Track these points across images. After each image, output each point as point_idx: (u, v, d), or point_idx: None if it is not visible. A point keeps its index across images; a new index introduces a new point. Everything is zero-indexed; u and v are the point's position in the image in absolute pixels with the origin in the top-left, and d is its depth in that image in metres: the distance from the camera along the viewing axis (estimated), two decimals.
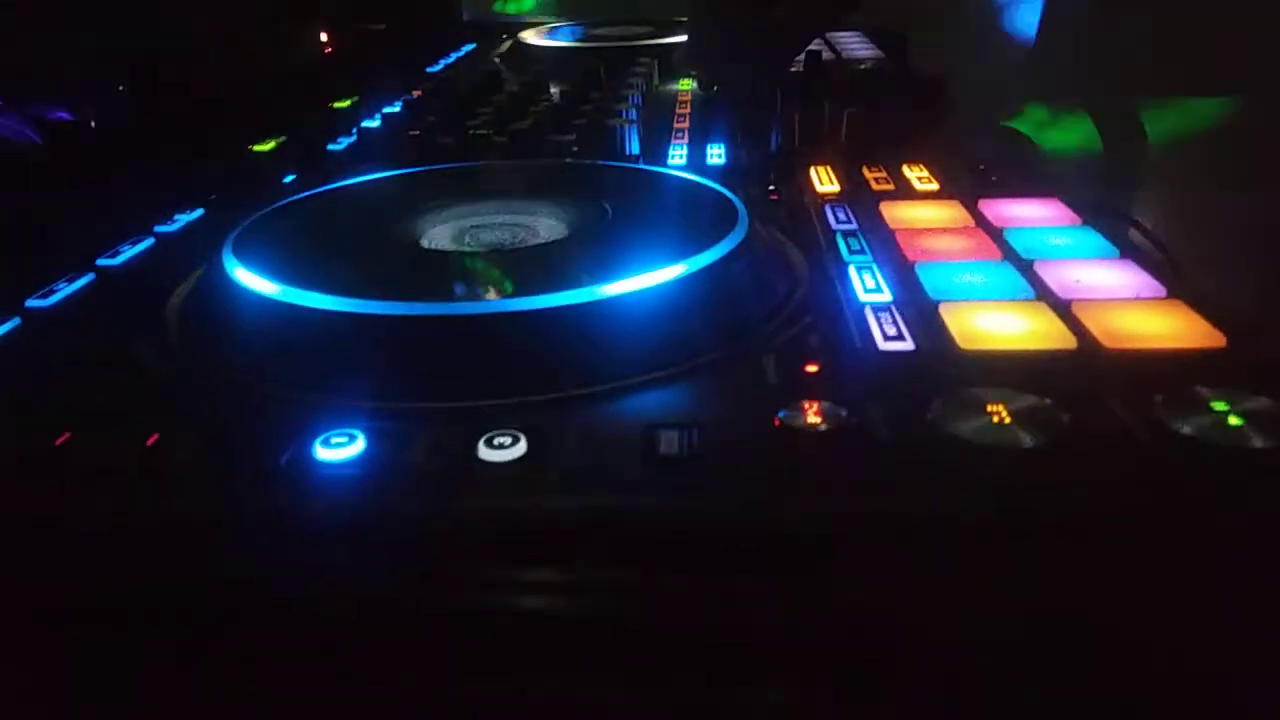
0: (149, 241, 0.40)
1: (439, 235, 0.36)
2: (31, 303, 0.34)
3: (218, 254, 0.32)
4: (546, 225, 0.36)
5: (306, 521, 0.23)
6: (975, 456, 0.23)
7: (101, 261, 0.38)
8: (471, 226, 0.36)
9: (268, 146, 0.57)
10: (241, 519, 0.23)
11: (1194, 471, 0.22)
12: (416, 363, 0.27)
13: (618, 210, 0.36)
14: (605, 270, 0.29)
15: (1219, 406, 0.24)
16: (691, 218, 0.35)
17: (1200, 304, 0.30)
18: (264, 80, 0.65)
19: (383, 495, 0.23)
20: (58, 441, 0.25)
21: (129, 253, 0.39)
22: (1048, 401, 0.24)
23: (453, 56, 0.88)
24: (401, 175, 0.42)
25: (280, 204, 0.38)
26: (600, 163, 0.44)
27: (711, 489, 0.22)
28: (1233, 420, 0.23)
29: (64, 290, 0.35)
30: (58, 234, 0.40)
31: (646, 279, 0.29)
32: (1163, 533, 0.21)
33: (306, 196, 0.39)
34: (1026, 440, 0.23)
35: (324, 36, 0.81)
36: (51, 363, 0.30)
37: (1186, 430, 0.23)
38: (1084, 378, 0.26)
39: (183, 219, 0.43)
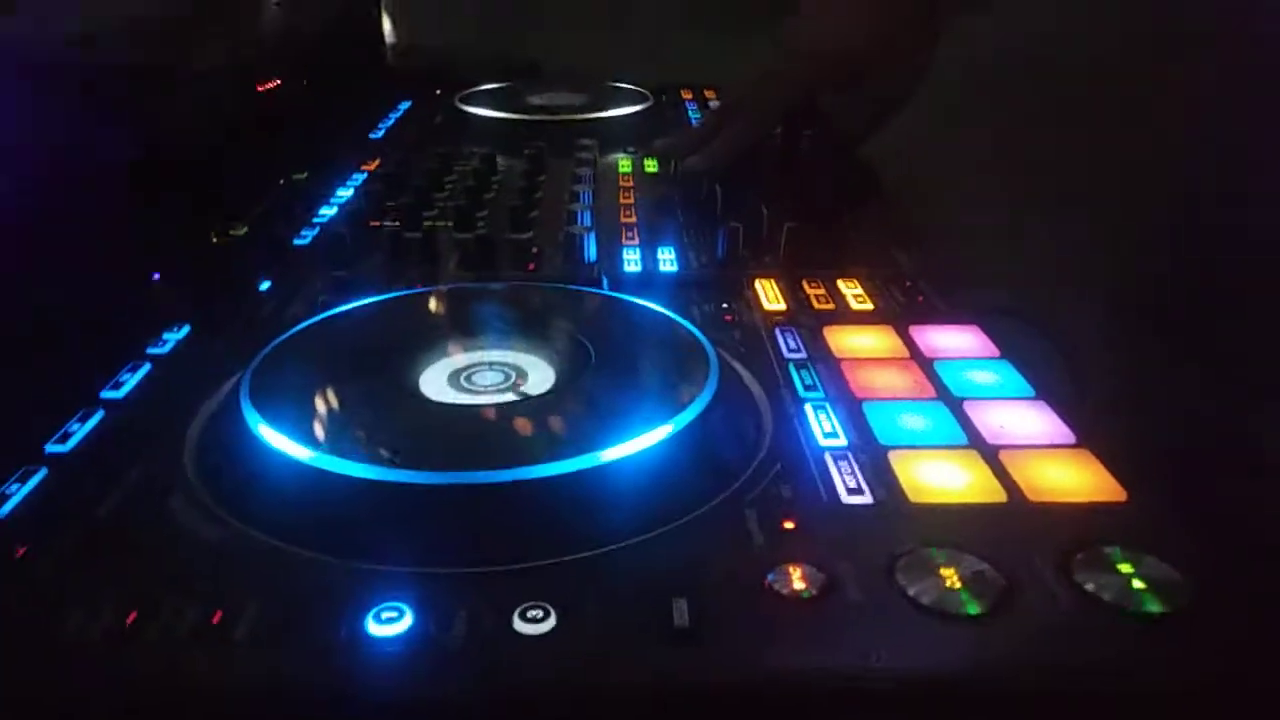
0: (146, 367, 0.42)
1: (437, 379, 0.39)
2: (51, 448, 0.36)
3: (236, 408, 0.35)
4: (533, 365, 0.40)
5: (365, 700, 0.26)
6: (932, 622, 0.28)
7: (105, 394, 0.40)
8: (465, 368, 0.40)
9: (237, 232, 0.59)
10: (307, 695, 0.26)
11: (1104, 636, 0.27)
12: (452, 529, 0.31)
13: (599, 352, 0.39)
14: (602, 428, 0.33)
15: (1124, 569, 0.29)
16: (668, 362, 0.39)
17: (1104, 454, 0.35)
18: (205, 150, 0.66)
19: (432, 673, 0.26)
20: (127, 621, 0.27)
21: (130, 382, 0.41)
22: (986, 567, 0.29)
23: (391, 118, 0.90)
24: (384, 303, 0.45)
25: (279, 341, 0.40)
26: (570, 289, 0.48)
27: (719, 660, 0.27)
28: (1135, 584, 0.29)
29: (79, 432, 0.37)
30: (46, 358, 0.42)
31: (643, 440, 0.33)
32: (1084, 695, 0.26)
33: (302, 331, 0.41)
34: (972, 606, 0.28)
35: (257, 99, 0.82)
36: (90, 523, 0.32)
37: (1099, 593, 0.29)
38: (1014, 533, 0.31)
39: (171, 338, 0.45)
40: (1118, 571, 0.29)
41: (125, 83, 0.56)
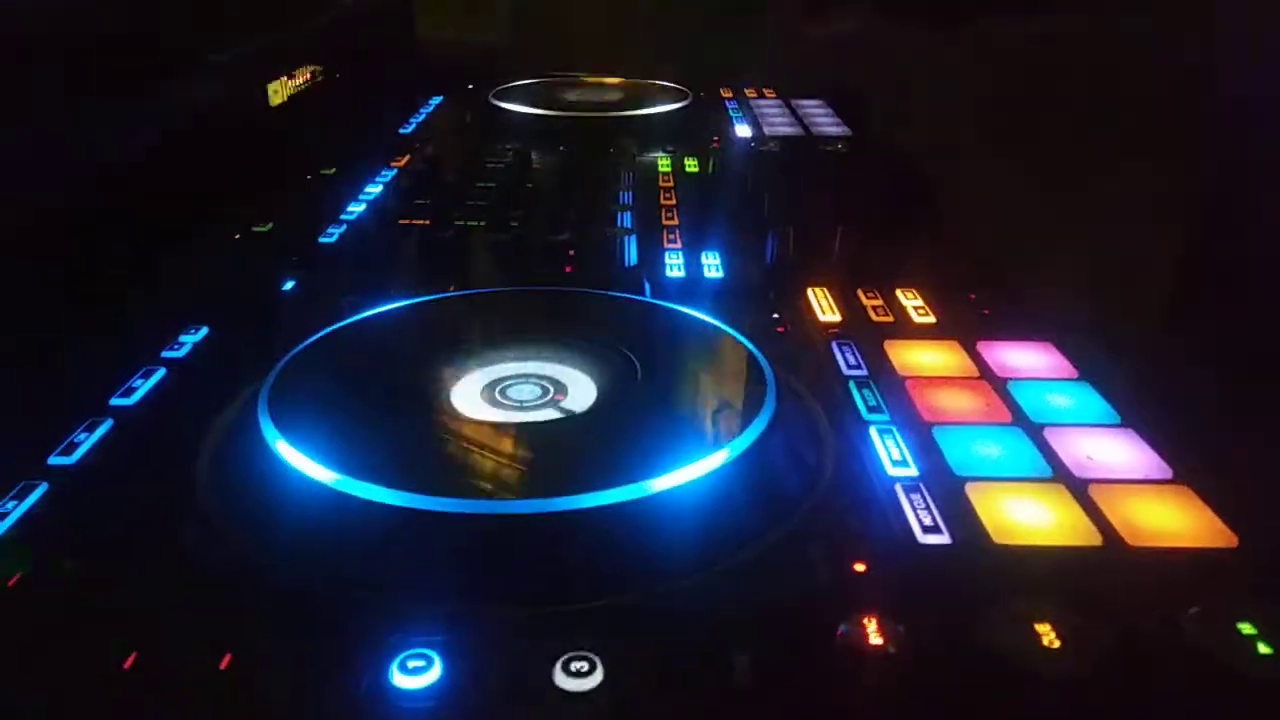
0: (161, 372, 0.39)
1: (470, 392, 0.36)
2: (54, 460, 0.33)
3: (254, 422, 0.32)
4: (573, 378, 0.37)
5: None
6: (1028, 686, 0.24)
7: (115, 401, 0.37)
8: (500, 380, 0.37)
9: (262, 229, 0.56)
10: None
11: (1229, 706, 0.24)
12: (485, 562, 0.28)
13: (645, 366, 0.36)
14: (652, 451, 0.30)
15: (1246, 629, 0.26)
16: (721, 378, 0.36)
17: (1205, 490, 0.32)
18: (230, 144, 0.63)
19: None
20: (126, 664, 0.24)
21: (143, 388, 0.38)
22: (1087, 623, 0.26)
23: (422, 113, 0.87)
24: (414, 308, 0.42)
25: (301, 348, 0.37)
26: (613, 295, 0.45)
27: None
28: (1262, 648, 0.25)
29: (85, 442, 0.34)
30: (55, 358, 0.40)
31: (698, 467, 0.30)
32: None
33: (325, 337, 0.39)
34: (1077, 668, 0.25)
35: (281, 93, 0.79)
36: (91, 543, 0.29)
37: (1220, 655, 0.25)
38: (1115, 582, 0.28)
39: (188, 340, 0.42)
40: (1239, 631, 0.26)
41: (139, 71, 0.54)
